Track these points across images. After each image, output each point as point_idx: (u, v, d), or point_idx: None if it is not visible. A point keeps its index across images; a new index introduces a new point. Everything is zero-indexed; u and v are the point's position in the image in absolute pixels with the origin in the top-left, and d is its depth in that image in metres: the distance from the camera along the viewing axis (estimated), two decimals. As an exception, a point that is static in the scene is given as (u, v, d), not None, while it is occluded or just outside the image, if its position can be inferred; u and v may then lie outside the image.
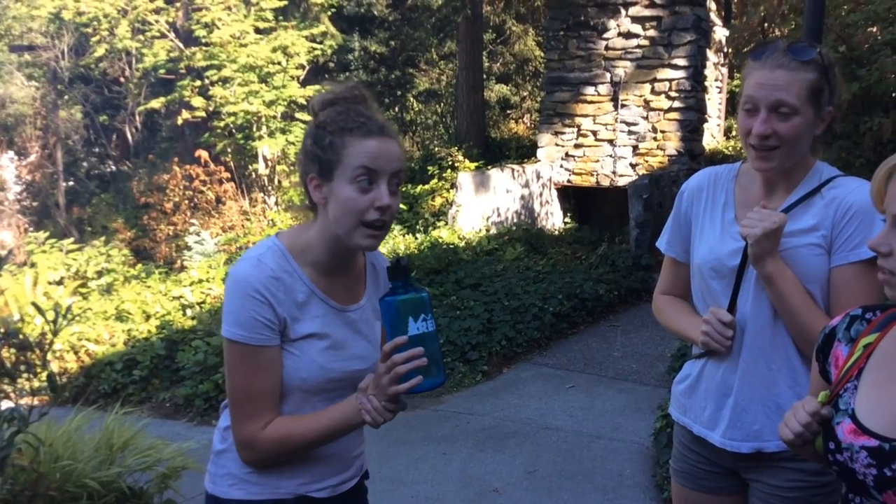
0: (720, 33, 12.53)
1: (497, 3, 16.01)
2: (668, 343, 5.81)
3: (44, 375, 2.29)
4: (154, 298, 8.18)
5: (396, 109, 18.66)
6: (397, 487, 4.29)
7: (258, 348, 1.60)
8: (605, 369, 6.13)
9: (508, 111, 17.75)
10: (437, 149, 13.50)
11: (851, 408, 1.36)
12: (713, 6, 11.40)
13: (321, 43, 14.01)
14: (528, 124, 16.71)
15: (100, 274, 10.70)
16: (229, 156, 12.90)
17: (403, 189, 11.50)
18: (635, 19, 9.89)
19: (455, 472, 4.46)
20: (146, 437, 3.72)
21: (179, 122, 13.37)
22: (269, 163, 13.17)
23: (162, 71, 13.77)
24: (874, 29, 5.83)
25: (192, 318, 7.48)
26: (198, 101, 12.57)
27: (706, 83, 10.55)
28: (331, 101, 1.66)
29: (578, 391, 5.69)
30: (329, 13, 14.53)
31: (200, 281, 8.70)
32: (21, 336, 2.12)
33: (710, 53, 11.01)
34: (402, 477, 4.41)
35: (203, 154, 12.87)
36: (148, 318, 7.74)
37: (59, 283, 10.31)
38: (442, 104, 18.63)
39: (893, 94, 5.50)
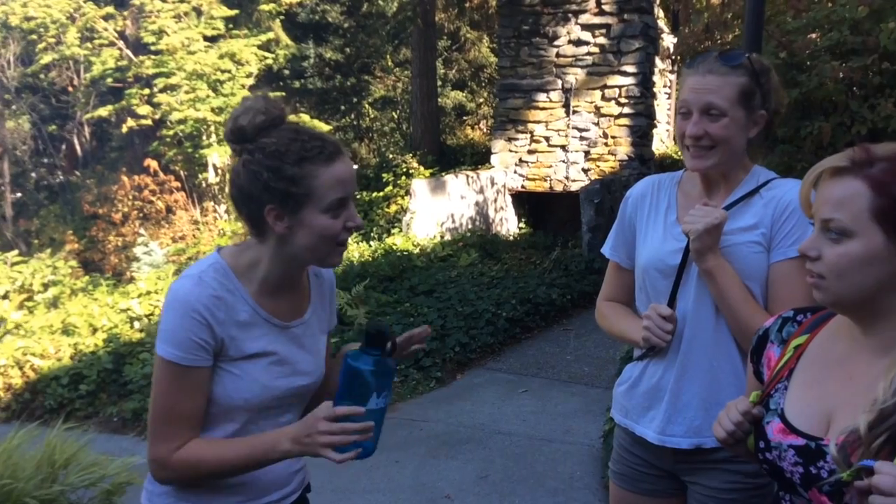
0: (668, 40, 12.75)
1: (451, 10, 16.06)
2: (619, 346, 5.85)
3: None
4: (101, 311, 8.01)
5: (352, 116, 18.59)
6: (349, 497, 4.26)
7: (190, 369, 1.57)
8: (558, 373, 6.17)
9: (464, 117, 17.79)
10: (392, 156, 13.47)
11: (781, 407, 1.39)
12: (661, 14, 11.60)
13: (273, 51, 13.90)
14: (485, 130, 16.76)
15: (46, 287, 10.45)
16: (179, 165, 12.72)
17: (358, 196, 11.51)
18: (585, 27, 10.00)
19: (408, 479, 4.44)
20: (90, 452, 3.65)
21: (125, 130, 13.14)
22: (220, 171, 13.00)
23: (110, 80, 13.54)
24: (814, 35, 5.95)
25: (140, 331, 7.34)
26: (144, 109, 12.38)
27: (655, 89, 10.71)
28: (269, 123, 1.57)
29: (531, 395, 5.71)
30: (279, 20, 14.43)
31: (149, 293, 8.54)
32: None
33: (658, 60, 11.19)
34: (354, 486, 4.37)
35: (152, 163, 12.67)
36: (95, 331, 7.57)
37: (5, 297, 10.06)
38: (398, 111, 18.62)
39: (833, 99, 5.62)
